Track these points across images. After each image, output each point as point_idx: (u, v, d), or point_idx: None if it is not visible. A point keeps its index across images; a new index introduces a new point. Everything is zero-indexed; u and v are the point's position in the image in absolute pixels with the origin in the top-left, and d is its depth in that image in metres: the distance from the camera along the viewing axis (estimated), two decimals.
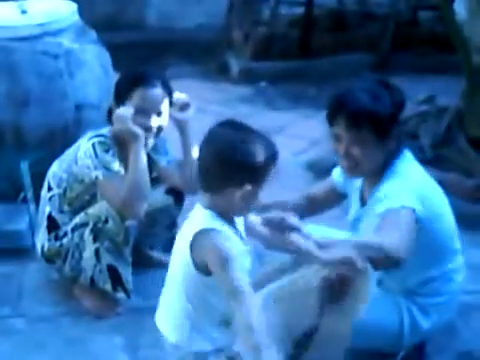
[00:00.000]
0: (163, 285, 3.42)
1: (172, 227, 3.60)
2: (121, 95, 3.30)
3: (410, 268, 2.64)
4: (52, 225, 3.37)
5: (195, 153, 3.30)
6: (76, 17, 4.26)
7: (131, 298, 3.38)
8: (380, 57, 6.91)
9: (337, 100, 2.76)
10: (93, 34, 4.34)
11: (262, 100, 6.47)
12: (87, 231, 3.23)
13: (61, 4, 4.36)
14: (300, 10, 7.23)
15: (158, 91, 3.27)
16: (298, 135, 5.53)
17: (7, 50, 3.98)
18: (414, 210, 2.61)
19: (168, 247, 3.53)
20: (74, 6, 4.29)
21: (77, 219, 3.29)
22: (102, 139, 3.30)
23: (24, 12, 4.20)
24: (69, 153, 3.38)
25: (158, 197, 3.51)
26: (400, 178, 2.73)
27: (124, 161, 3.29)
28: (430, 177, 2.87)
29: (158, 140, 3.44)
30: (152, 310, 3.23)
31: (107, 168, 3.21)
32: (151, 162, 3.46)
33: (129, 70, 3.49)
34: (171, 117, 3.40)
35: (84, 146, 3.28)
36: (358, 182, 2.95)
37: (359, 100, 2.68)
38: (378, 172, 2.78)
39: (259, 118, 5.96)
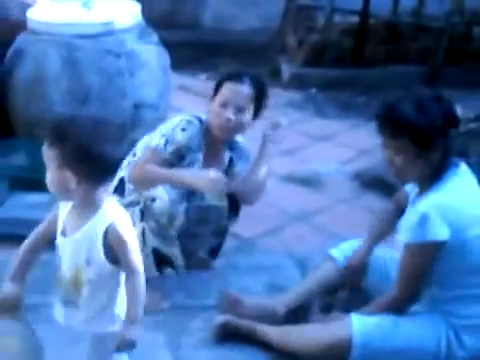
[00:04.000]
0: (207, 284, 3.53)
1: (219, 235, 3.60)
2: (215, 89, 3.37)
3: (441, 283, 2.83)
4: (119, 188, 3.41)
5: (264, 169, 3.40)
6: (139, 18, 4.35)
7: (175, 296, 3.42)
8: (432, 70, 6.89)
9: (383, 109, 2.84)
10: (154, 35, 4.42)
11: (312, 107, 6.50)
12: (137, 209, 3.31)
13: (125, 4, 4.46)
14: (354, 19, 7.29)
15: (243, 88, 3.32)
16: (346, 144, 5.55)
17: (71, 47, 4.08)
18: (439, 242, 2.72)
19: (213, 253, 3.64)
20: (138, 7, 4.38)
21: (132, 197, 3.36)
22: (192, 119, 3.36)
23: (89, 10, 4.30)
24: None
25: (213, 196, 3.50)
26: (443, 194, 2.77)
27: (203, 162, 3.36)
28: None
29: (241, 147, 3.51)
30: (195, 309, 3.35)
31: (169, 142, 3.28)
32: (230, 163, 3.51)
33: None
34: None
35: (175, 117, 3.39)
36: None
37: (402, 111, 2.75)
38: (425, 182, 2.84)
39: (308, 125, 6.01)
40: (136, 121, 4.13)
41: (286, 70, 7.13)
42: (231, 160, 3.51)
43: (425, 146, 2.74)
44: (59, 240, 2.40)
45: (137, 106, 4.15)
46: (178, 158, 3.32)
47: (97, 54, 4.08)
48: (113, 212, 2.31)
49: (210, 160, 3.41)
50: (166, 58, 4.45)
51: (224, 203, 3.52)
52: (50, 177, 2.28)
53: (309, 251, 3.84)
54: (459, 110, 2.82)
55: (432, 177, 2.81)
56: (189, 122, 3.35)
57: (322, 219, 4.36)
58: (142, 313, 2.34)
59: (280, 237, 4.11)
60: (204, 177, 3.21)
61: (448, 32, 6.99)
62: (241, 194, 3.49)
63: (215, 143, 3.42)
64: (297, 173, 4.95)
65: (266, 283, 3.59)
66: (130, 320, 2.32)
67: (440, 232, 2.70)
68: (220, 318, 3.13)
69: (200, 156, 3.38)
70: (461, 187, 2.83)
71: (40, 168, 4.02)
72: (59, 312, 2.45)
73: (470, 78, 6.67)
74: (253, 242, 4.02)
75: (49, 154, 2.25)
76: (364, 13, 7.10)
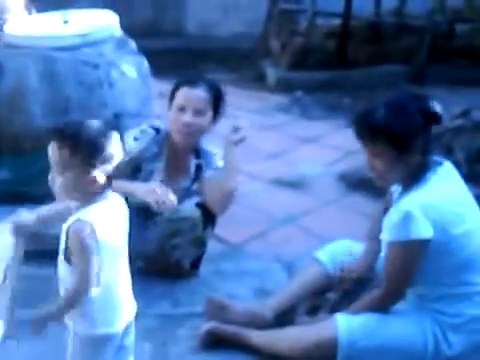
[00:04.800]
0: (193, 293, 3.50)
1: (200, 245, 3.56)
2: (171, 96, 3.40)
3: (426, 282, 2.82)
4: None
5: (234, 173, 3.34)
6: (117, 28, 4.34)
7: (161, 304, 3.40)
8: (416, 69, 6.93)
9: (359, 115, 2.85)
10: (133, 44, 4.41)
11: (298, 109, 6.53)
12: None
13: (102, 15, 4.45)
14: (337, 21, 7.32)
15: (199, 91, 3.34)
16: (332, 145, 5.56)
17: (49, 59, 4.05)
18: (423, 240, 2.71)
19: (196, 265, 3.61)
20: (115, 17, 4.37)
21: None
22: (146, 128, 3.40)
23: (66, 22, 4.29)
24: None
25: (186, 207, 3.46)
26: (424, 193, 2.76)
27: (163, 170, 3.35)
28: (465, 191, 2.91)
29: (208, 154, 3.48)
30: (182, 317, 3.32)
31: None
32: (198, 171, 3.49)
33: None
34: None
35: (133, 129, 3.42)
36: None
37: (376, 117, 2.74)
38: (407, 182, 2.83)
39: (294, 127, 6.02)
40: (117, 130, 4.10)
41: (271, 74, 7.16)
42: (199, 167, 3.48)
43: (403, 148, 2.73)
44: None
45: (118, 115, 4.13)
46: (132, 169, 3.32)
47: (75, 66, 4.04)
48: (90, 213, 2.26)
49: (174, 169, 3.41)
50: (145, 67, 4.43)
51: (197, 213, 3.46)
52: (52, 178, 2.26)
53: (297, 254, 3.82)
54: (438, 107, 2.79)
55: (414, 177, 2.81)
56: (142, 131, 3.39)
57: (309, 221, 4.35)
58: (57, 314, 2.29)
59: (267, 241, 4.09)
60: (145, 186, 3.22)
61: (431, 30, 7.03)
62: (207, 200, 3.44)
63: (178, 151, 3.42)
64: (284, 176, 4.94)
65: (254, 288, 3.57)
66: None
67: (424, 230, 2.70)
68: (206, 325, 3.11)
69: (159, 165, 3.39)
70: (443, 186, 2.82)
71: (24, 182, 4.03)
72: None
73: (454, 75, 6.71)
74: (240, 247, 4.00)
75: (55, 156, 2.22)
76: (346, 15, 7.12)
